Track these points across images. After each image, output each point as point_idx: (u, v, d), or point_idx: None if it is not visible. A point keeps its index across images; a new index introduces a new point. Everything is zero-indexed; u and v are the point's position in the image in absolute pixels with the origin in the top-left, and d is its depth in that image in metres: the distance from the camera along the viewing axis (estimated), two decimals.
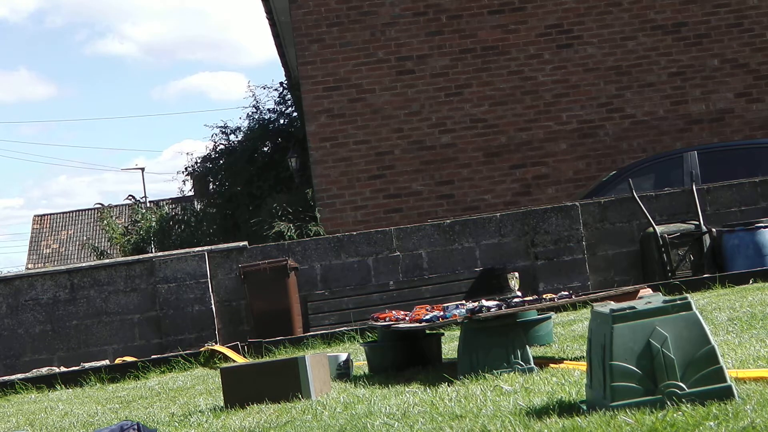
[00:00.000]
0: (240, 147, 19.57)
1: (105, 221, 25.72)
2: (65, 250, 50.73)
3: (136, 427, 4.29)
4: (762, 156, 12.39)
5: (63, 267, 11.83)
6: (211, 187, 20.18)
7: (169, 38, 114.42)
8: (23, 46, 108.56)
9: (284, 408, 4.94)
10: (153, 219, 22.32)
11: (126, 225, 25.08)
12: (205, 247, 11.73)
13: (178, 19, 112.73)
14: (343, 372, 6.19)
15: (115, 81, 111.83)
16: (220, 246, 11.69)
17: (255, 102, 20.56)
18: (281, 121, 20.26)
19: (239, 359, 8.53)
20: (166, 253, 11.92)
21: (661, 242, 10.73)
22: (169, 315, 11.05)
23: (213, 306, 11.07)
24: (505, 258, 11.14)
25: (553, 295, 6.17)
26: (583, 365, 4.55)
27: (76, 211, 54.25)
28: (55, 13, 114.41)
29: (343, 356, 6.31)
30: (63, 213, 54.78)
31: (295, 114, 19.96)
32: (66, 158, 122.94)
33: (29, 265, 48.41)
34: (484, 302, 5.58)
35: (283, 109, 20.48)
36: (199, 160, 20.58)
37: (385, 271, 11.17)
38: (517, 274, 7.85)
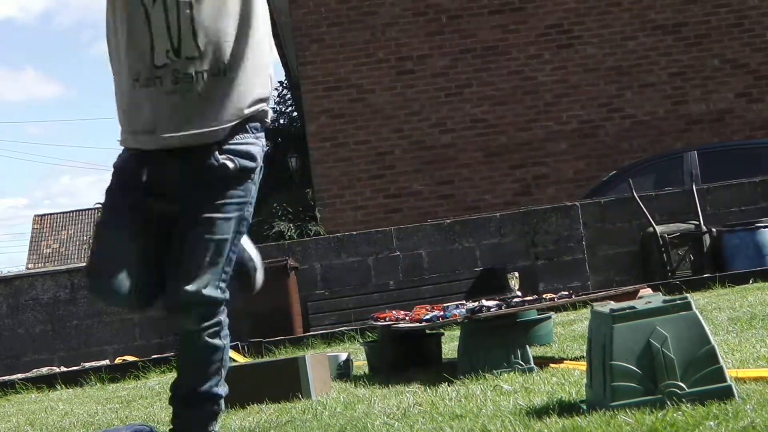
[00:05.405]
0: None
1: None
2: (65, 250, 50.74)
3: (148, 431, 4.26)
4: (762, 156, 12.38)
5: (63, 267, 11.83)
6: None
7: None
8: (30, 46, 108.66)
9: (284, 408, 4.94)
10: None
11: None
12: None
13: None
14: (343, 372, 6.18)
15: None
16: None
17: None
18: (281, 121, 20.28)
19: (239, 359, 8.52)
20: None
21: (661, 242, 10.72)
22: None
23: None
24: (505, 258, 11.12)
25: (553, 295, 6.15)
26: (583, 365, 4.55)
27: (76, 211, 54.29)
28: (63, 14, 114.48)
29: (343, 356, 6.30)
30: (63, 213, 54.83)
31: (295, 114, 19.97)
32: (69, 158, 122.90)
33: (29, 265, 48.41)
34: (484, 302, 5.56)
35: (283, 109, 20.49)
36: None
37: (385, 271, 11.16)
38: (517, 274, 7.82)
